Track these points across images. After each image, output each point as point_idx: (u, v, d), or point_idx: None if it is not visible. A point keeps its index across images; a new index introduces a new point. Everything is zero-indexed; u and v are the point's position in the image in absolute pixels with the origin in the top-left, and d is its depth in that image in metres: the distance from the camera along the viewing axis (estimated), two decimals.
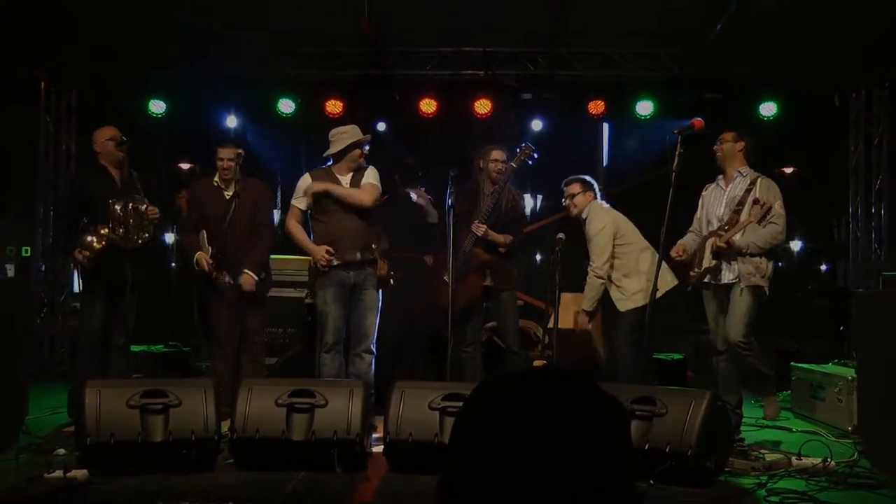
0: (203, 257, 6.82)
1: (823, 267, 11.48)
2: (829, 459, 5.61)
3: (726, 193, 6.80)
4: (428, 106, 9.90)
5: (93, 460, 5.20)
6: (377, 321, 6.76)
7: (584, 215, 7.35)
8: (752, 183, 6.67)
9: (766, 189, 6.63)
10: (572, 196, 7.44)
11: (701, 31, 9.12)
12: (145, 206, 6.88)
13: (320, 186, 6.71)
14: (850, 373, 7.09)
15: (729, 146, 6.86)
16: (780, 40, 9.19)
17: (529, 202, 8.97)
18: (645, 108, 9.93)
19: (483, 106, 9.89)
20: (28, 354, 6.97)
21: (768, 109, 9.90)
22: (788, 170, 10.67)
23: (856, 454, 5.98)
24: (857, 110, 10.27)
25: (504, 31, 9.44)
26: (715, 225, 6.75)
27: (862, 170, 10.22)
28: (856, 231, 10.30)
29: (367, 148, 6.86)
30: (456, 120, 10.09)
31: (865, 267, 10.11)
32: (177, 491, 4.93)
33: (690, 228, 7.08)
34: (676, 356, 9.11)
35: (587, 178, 7.57)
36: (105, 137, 7.00)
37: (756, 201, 6.53)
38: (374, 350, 6.72)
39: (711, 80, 9.88)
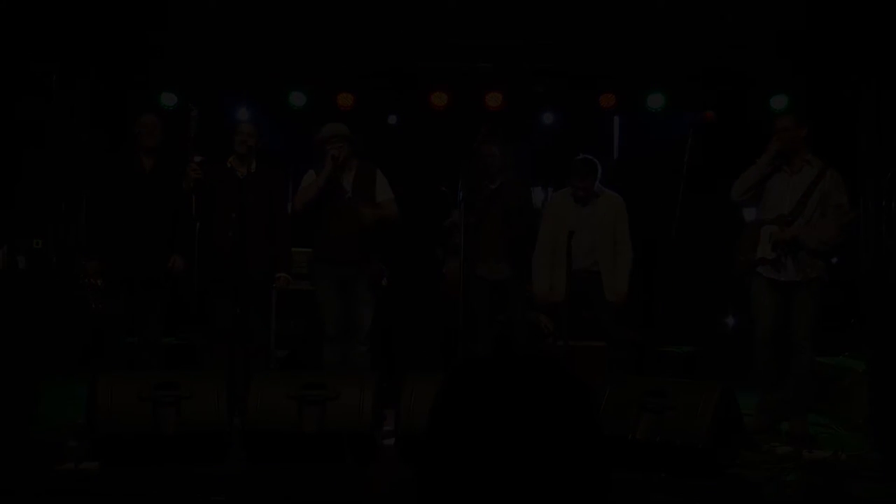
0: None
1: (834, 259, 11.42)
2: (840, 452, 5.61)
3: (791, 180, 6.51)
4: (439, 99, 9.87)
5: (104, 452, 5.23)
6: (370, 315, 6.87)
7: None
8: (821, 175, 6.44)
9: (836, 185, 6.46)
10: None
11: (712, 23, 9.08)
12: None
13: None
14: (861, 365, 7.07)
15: (793, 134, 6.53)
16: (792, 32, 9.14)
17: (540, 195, 8.91)
18: (656, 100, 9.87)
19: (494, 99, 9.84)
20: (40, 346, 6.97)
21: (779, 102, 9.83)
22: None
23: (867, 446, 5.97)
24: (868, 103, 10.19)
25: (514, 24, 9.41)
26: (776, 214, 6.50)
27: (872, 163, 10.14)
28: (866, 224, 10.23)
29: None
30: (467, 113, 10.03)
31: (876, 260, 10.06)
32: (188, 483, 4.96)
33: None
34: (686, 348, 9.08)
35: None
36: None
37: (838, 206, 6.40)
38: (366, 342, 6.84)
39: (722, 71, 9.82)
